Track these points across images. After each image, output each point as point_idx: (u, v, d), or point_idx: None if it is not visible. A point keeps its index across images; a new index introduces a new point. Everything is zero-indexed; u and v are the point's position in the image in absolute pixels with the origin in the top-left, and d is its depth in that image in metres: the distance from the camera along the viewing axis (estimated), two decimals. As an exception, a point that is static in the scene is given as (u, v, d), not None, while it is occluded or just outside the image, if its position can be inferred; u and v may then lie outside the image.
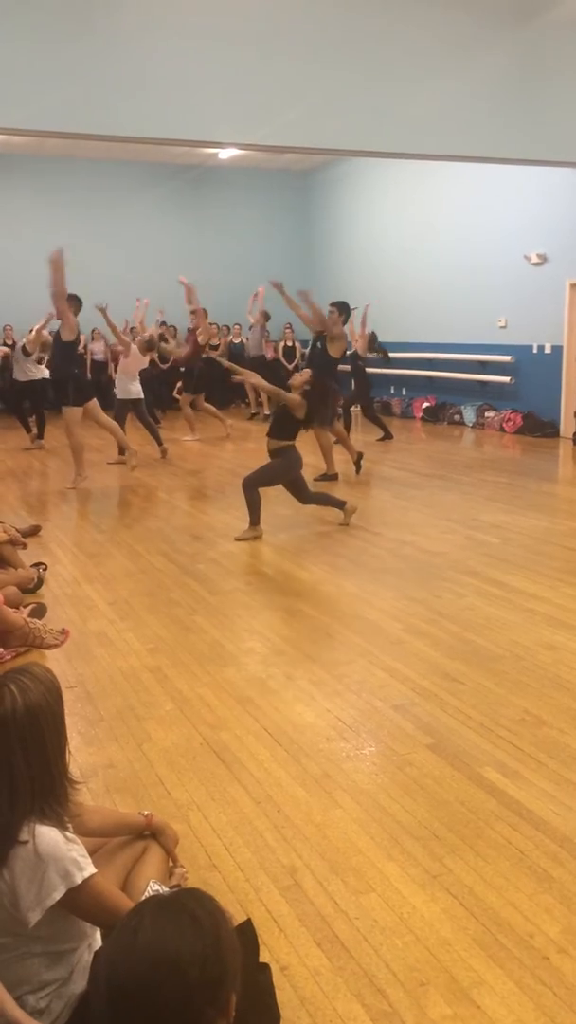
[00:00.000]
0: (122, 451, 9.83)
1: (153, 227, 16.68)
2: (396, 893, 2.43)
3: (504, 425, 12.35)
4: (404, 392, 14.99)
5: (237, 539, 6.44)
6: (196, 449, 11.18)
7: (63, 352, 8.67)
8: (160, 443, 10.29)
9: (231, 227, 17.32)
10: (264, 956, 2.11)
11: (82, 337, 10.47)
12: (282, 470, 6.43)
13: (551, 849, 2.62)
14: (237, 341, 16.21)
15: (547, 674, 3.91)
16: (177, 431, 12.43)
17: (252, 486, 6.46)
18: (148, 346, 10.28)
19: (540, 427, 11.76)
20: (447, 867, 2.54)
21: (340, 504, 6.81)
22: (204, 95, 6.77)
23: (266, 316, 14.97)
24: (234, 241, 17.35)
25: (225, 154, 15.10)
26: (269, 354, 16.10)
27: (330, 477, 8.76)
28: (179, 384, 12.51)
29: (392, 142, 7.57)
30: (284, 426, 6.36)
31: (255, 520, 6.51)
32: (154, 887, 2.01)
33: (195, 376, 11.50)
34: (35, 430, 11.64)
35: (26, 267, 15.63)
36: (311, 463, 9.45)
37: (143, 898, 1.91)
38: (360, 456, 9.12)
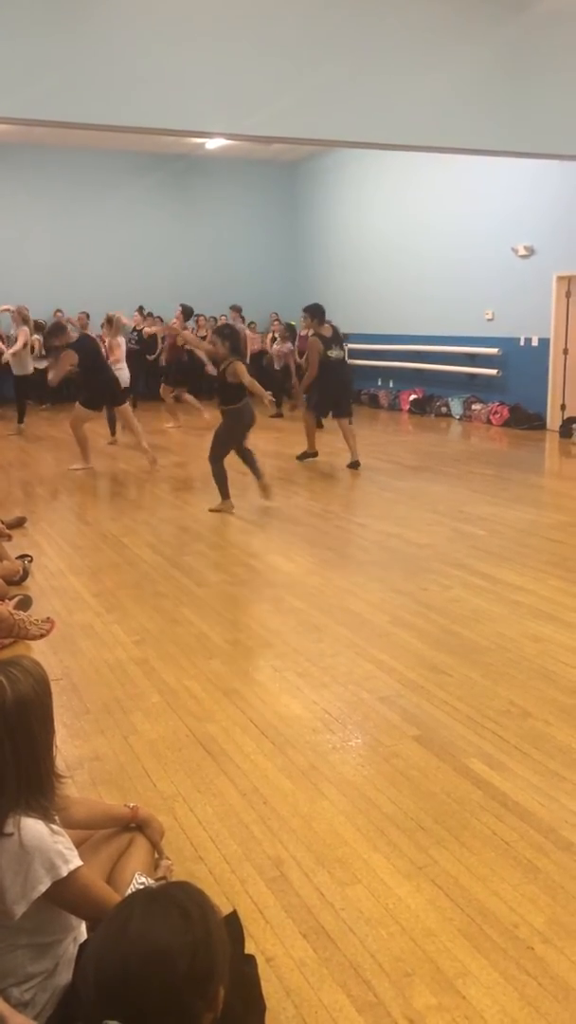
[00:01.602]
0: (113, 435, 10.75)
1: (139, 217, 16.58)
2: (382, 884, 2.44)
3: (491, 417, 12.37)
4: (391, 384, 14.99)
5: (211, 510, 6.97)
6: (180, 440, 11.15)
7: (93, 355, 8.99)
8: (113, 432, 10.83)
9: (217, 217, 17.23)
10: (250, 947, 2.11)
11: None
12: (228, 431, 6.99)
13: (536, 840, 2.63)
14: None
15: (532, 666, 3.93)
16: (160, 419, 12.45)
17: (214, 459, 6.99)
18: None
19: (527, 419, 11.79)
20: (433, 858, 2.55)
21: (258, 474, 7.17)
22: (191, 85, 6.72)
23: (236, 309, 15.38)
24: (220, 231, 17.28)
25: (212, 144, 15.01)
26: (255, 346, 16.05)
27: (310, 455, 9.33)
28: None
29: (379, 133, 7.55)
30: (225, 392, 6.89)
31: (225, 494, 7.00)
32: (140, 879, 2.01)
33: (176, 370, 12.26)
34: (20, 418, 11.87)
35: (10, 255, 15.57)
36: (300, 441, 9.52)
37: (129, 890, 1.91)
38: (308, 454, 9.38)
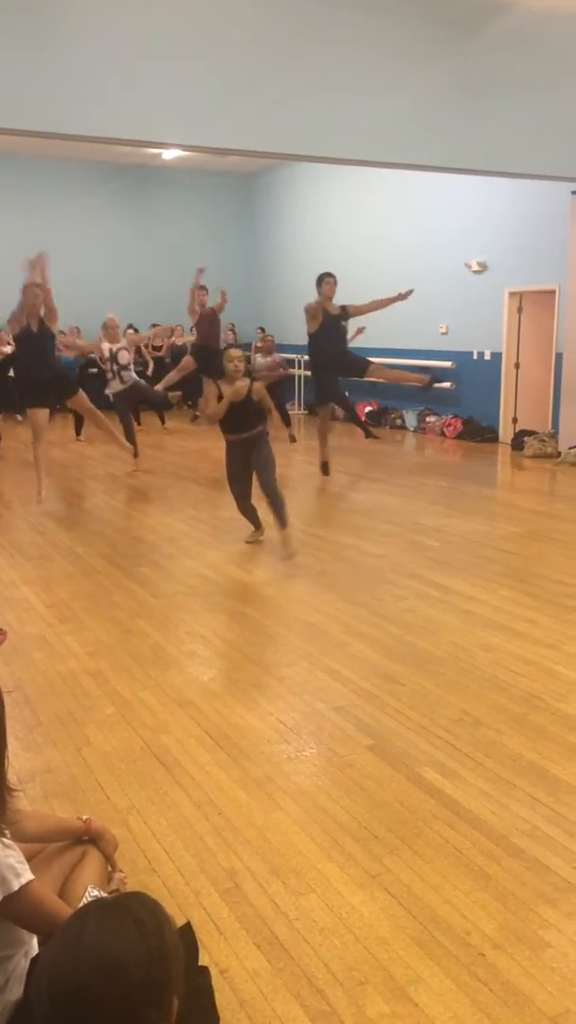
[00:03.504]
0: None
1: (95, 227, 16.48)
2: (336, 893, 2.45)
3: (445, 430, 12.52)
4: (347, 396, 15.06)
5: (247, 542, 6.37)
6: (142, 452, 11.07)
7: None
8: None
9: (175, 228, 17.22)
10: (204, 959, 2.10)
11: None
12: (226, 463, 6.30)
13: (487, 847, 2.66)
14: (180, 343, 16.13)
15: (484, 675, 3.98)
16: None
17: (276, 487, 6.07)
18: None
19: (480, 432, 11.96)
20: (386, 867, 2.57)
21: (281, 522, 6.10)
22: (148, 95, 6.72)
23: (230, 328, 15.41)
24: (178, 242, 17.25)
25: (169, 155, 15.02)
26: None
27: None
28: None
29: (333, 148, 7.62)
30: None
31: (255, 523, 6.43)
32: (92, 892, 1.99)
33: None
34: None
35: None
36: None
37: (81, 904, 1.89)
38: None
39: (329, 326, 8.80)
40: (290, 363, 16.27)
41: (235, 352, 6.10)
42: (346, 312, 8.90)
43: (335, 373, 9.16)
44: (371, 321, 14.34)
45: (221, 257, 17.68)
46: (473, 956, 2.20)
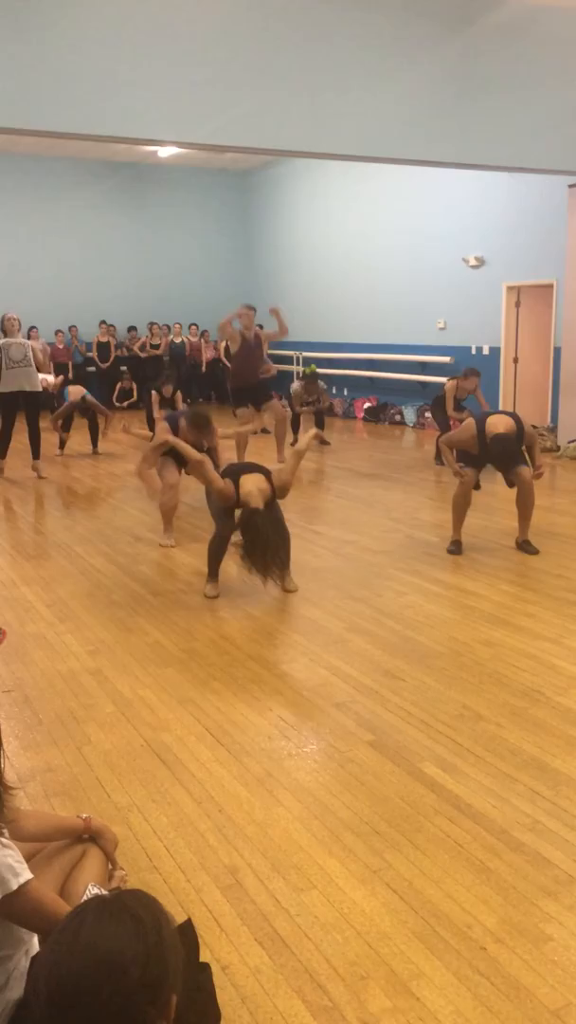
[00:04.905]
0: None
1: (91, 224, 16.48)
2: (337, 889, 2.44)
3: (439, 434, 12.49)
4: (346, 392, 15.08)
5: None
6: (136, 446, 11.06)
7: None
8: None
9: (170, 225, 17.22)
10: (205, 956, 2.10)
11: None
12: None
13: (488, 841, 2.66)
14: (178, 341, 16.13)
15: (485, 670, 3.98)
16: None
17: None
18: None
19: (479, 427, 11.93)
20: (387, 862, 2.56)
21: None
22: (144, 92, 6.72)
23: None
24: (174, 239, 17.26)
25: (165, 152, 15.00)
26: (210, 355, 16.08)
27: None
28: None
29: (330, 144, 7.62)
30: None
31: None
32: (92, 890, 1.99)
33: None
34: None
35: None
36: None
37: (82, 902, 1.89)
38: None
39: (246, 352, 9.40)
40: (288, 360, 16.29)
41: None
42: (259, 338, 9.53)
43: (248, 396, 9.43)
44: (369, 317, 14.38)
45: (218, 254, 17.70)
46: (475, 950, 2.20)
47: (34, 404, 9.00)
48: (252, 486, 4.85)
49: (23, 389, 8.81)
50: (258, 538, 4.55)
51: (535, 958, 2.17)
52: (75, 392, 10.32)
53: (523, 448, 5.86)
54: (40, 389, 9.09)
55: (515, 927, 2.28)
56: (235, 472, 5.04)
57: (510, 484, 6.02)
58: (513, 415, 5.89)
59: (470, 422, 5.90)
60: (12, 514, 7.54)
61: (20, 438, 9.22)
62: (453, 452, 6.04)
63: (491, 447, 5.69)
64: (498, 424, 5.74)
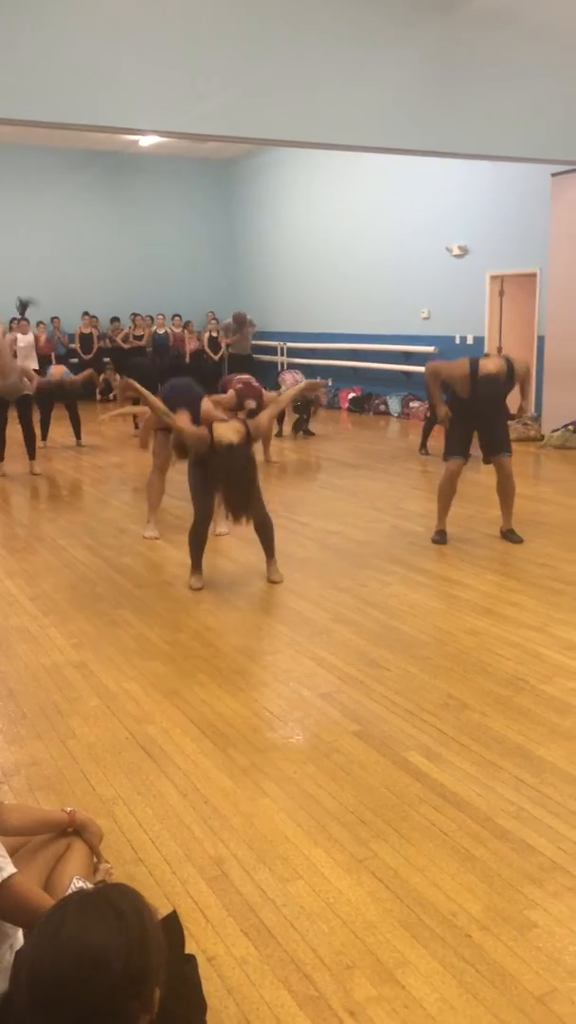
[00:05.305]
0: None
1: (72, 214, 16.35)
2: (322, 879, 2.45)
3: (428, 415, 12.50)
4: (330, 382, 15.05)
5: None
6: (118, 439, 11.04)
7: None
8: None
9: (153, 215, 17.11)
10: (191, 947, 2.10)
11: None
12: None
13: (473, 829, 2.67)
14: (161, 331, 16.06)
15: (470, 659, 3.99)
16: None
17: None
18: None
19: (463, 417, 11.95)
20: (373, 851, 2.57)
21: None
22: (125, 81, 6.65)
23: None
24: (156, 229, 17.15)
25: (146, 141, 14.90)
26: (193, 345, 16.05)
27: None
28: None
29: (313, 133, 7.58)
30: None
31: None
32: (77, 884, 1.98)
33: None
34: None
35: None
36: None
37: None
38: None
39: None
40: (274, 351, 16.27)
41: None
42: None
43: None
44: (352, 307, 14.36)
45: (200, 243, 17.62)
46: (460, 938, 2.21)
47: (26, 404, 8.88)
48: (226, 427, 4.89)
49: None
50: (221, 468, 4.67)
51: (520, 945, 2.18)
52: (56, 371, 10.32)
53: (512, 420, 5.78)
54: (31, 393, 8.95)
55: (500, 914, 2.29)
56: (210, 422, 5.04)
57: (486, 460, 6.02)
58: (506, 358, 5.92)
59: (464, 360, 5.88)
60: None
61: (15, 437, 9.14)
62: (438, 382, 5.98)
63: (480, 387, 5.69)
64: (489, 365, 5.76)
